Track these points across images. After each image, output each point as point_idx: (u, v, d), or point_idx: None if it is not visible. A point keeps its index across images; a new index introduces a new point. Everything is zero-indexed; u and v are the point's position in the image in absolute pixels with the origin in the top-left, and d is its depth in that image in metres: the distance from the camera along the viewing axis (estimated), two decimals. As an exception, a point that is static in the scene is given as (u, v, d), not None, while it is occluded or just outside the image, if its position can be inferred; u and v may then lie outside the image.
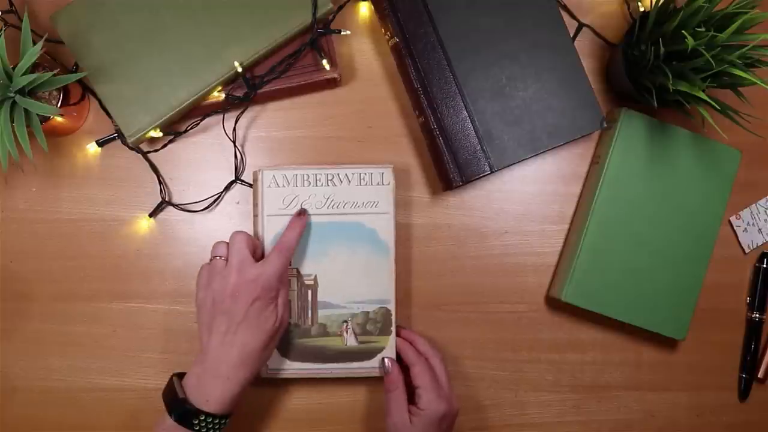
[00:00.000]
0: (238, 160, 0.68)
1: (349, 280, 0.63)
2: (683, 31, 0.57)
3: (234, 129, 0.68)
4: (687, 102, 0.61)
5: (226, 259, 0.57)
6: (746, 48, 0.57)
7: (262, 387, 0.67)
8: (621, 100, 0.70)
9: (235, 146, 0.68)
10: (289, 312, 0.61)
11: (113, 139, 0.67)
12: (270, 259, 0.57)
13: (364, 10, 0.70)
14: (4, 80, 0.58)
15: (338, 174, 0.64)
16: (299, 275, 0.63)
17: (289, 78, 0.66)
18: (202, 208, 0.68)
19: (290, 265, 0.62)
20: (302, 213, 0.62)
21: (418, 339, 0.64)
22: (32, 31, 0.59)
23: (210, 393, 0.54)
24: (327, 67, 0.66)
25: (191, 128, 0.68)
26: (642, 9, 0.70)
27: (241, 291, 0.55)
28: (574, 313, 0.69)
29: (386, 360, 0.62)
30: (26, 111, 0.58)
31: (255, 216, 0.63)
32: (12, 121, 0.58)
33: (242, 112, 0.68)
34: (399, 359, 0.63)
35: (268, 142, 0.69)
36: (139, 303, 0.68)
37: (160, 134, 0.66)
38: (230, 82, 0.66)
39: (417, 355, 0.62)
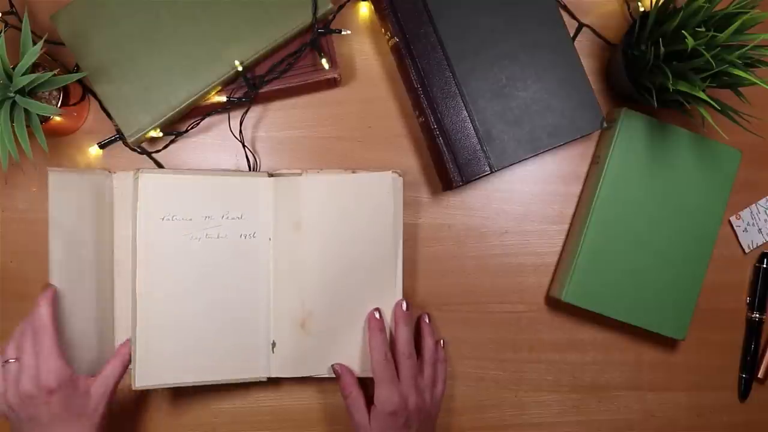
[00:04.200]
0: (252, 161, 0.68)
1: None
2: (683, 31, 0.57)
3: (240, 130, 0.68)
4: (687, 102, 0.61)
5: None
6: (746, 48, 0.57)
7: (262, 387, 0.67)
8: (621, 100, 0.70)
9: (244, 147, 0.68)
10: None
11: (115, 140, 0.67)
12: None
13: (364, 10, 0.70)
14: (4, 80, 0.58)
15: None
16: None
17: (289, 78, 0.66)
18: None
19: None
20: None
21: (428, 335, 0.65)
22: (32, 31, 0.59)
23: None
24: (327, 67, 0.66)
25: (192, 128, 0.68)
26: (642, 9, 0.70)
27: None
28: (574, 313, 0.69)
29: (335, 365, 0.62)
30: (26, 111, 0.58)
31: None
32: (12, 121, 0.58)
33: (246, 112, 0.68)
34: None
35: (268, 142, 0.69)
36: (139, 303, 0.68)
37: (161, 134, 0.66)
38: (230, 82, 0.66)
39: (378, 347, 0.60)
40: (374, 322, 0.62)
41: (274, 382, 0.65)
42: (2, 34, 0.58)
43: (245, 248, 0.63)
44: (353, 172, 0.65)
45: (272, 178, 0.64)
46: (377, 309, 0.63)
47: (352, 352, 0.64)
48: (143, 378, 0.60)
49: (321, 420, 0.68)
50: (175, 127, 0.67)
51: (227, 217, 0.63)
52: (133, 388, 0.60)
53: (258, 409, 0.68)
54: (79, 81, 0.67)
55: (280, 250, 0.64)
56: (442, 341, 0.67)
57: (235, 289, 0.63)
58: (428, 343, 0.65)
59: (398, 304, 0.63)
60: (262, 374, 0.63)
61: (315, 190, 0.63)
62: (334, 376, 0.63)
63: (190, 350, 0.61)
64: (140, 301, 0.60)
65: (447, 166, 0.64)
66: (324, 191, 0.64)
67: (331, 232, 0.64)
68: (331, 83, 0.68)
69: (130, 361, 0.59)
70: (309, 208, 0.63)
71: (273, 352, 0.63)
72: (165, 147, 0.67)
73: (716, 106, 0.59)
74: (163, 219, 0.61)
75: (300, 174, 0.64)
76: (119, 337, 0.63)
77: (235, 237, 0.63)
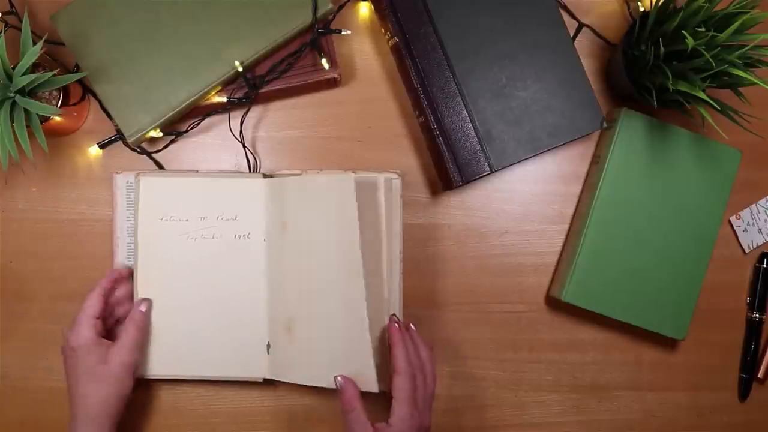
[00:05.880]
0: (252, 162, 0.68)
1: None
2: (683, 31, 0.57)
3: (240, 130, 0.68)
4: (687, 102, 0.61)
5: None
6: (746, 48, 0.57)
7: (262, 387, 0.67)
8: (621, 100, 0.70)
9: (244, 147, 0.68)
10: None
11: (115, 140, 0.67)
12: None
13: (364, 10, 0.70)
14: (4, 80, 0.58)
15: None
16: None
17: (289, 78, 0.66)
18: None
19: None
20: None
21: (422, 345, 0.60)
22: (32, 31, 0.59)
23: None
24: (327, 67, 0.66)
25: (192, 128, 0.68)
26: (642, 9, 0.70)
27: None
28: (574, 313, 0.69)
29: (339, 378, 0.58)
30: (26, 111, 0.58)
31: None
32: (12, 121, 0.58)
33: (247, 112, 0.68)
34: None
35: (268, 142, 0.69)
36: (139, 303, 0.68)
37: (161, 134, 0.66)
38: (230, 82, 0.66)
39: (407, 363, 0.56)
40: (398, 334, 0.58)
41: (272, 383, 0.65)
42: (2, 34, 0.58)
43: (240, 248, 0.63)
44: (354, 173, 0.65)
45: (265, 179, 0.64)
46: (395, 317, 0.60)
47: (344, 362, 0.60)
48: (140, 369, 0.62)
49: (321, 421, 0.68)
50: (175, 127, 0.67)
51: (222, 218, 0.63)
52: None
53: (258, 410, 0.68)
54: (79, 81, 0.67)
55: (270, 251, 0.64)
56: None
57: (230, 289, 0.63)
58: (426, 354, 0.60)
59: (403, 325, 0.60)
60: (258, 374, 0.63)
61: (299, 191, 0.62)
62: (322, 385, 0.60)
63: (187, 345, 0.63)
64: (141, 296, 0.63)
65: (447, 166, 0.64)
66: (308, 192, 0.62)
67: (316, 235, 0.62)
68: (331, 83, 0.68)
69: (145, 323, 0.62)
70: (293, 210, 0.63)
71: (268, 353, 0.63)
72: (165, 147, 0.67)
73: (716, 106, 0.59)
74: (161, 219, 0.63)
75: (300, 174, 0.64)
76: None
77: (230, 237, 0.63)
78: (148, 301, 0.63)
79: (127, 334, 0.60)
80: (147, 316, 0.62)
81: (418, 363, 0.58)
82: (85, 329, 0.59)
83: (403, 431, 0.55)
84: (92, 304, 0.60)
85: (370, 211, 0.61)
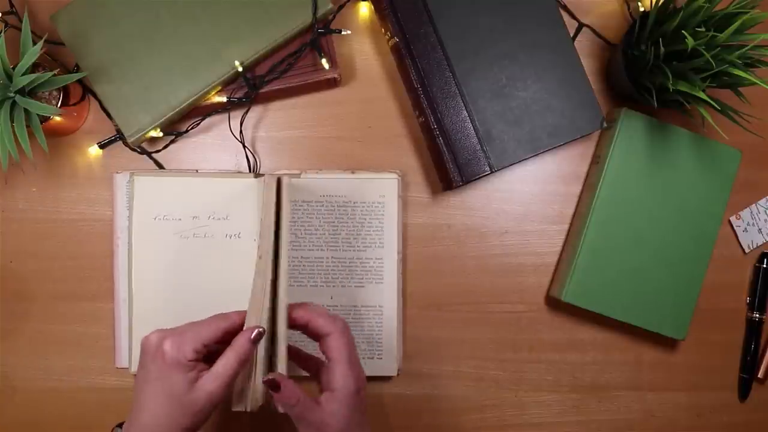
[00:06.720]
0: (252, 162, 0.68)
1: None
2: (683, 31, 0.57)
3: (240, 130, 0.68)
4: (687, 102, 0.61)
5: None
6: (746, 48, 0.57)
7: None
8: (621, 100, 0.70)
9: (244, 147, 0.68)
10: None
11: (115, 140, 0.67)
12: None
13: (364, 10, 0.70)
14: (4, 80, 0.58)
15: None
16: None
17: (289, 78, 0.66)
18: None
19: None
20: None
21: (318, 308, 0.54)
22: (32, 31, 0.59)
23: None
24: (327, 67, 0.66)
25: (192, 128, 0.68)
26: (642, 9, 0.70)
27: None
28: (574, 313, 0.69)
29: (270, 377, 0.50)
30: (26, 111, 0.58)
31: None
32: (12, 121, 0.58)
33: (246, 112, 0.68)
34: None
35: (268, 142, 0.69)
36: (139, 303, 0.68)
37: (161, 134, 0.66)
38: (230, 82, 0.66)
39: (331, 322, 0.52)
40: (303, 308, 0.53)
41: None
42: (2, 34, 0.58)
43: (231, 248, 0.64)
44: (352, 173, 0.65)
45: (256, 179, 0.64)
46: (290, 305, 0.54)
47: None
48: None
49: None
50: (175, 127, 0.67)
51: (213, 218, 0.64)
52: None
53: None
54: (79, 81, 0.67)
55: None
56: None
57: (222, 288, 0.64)
58: (329, 317, 0.54)
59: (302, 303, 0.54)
60: None
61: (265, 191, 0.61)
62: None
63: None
64: (136, 295, 0.64)
65: (447, 166, 0.64)
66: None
67: (291, 236, 0.62)
68: (331, 83, 0.68)
69: (248, 356, 0.51)
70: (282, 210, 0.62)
71: None
72: (165, 147, 0.67)
73: (716, 106, 0.59)
74: (155, 219, 0.64)
75: (299, 174, 0.64)
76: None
77: (221, 237, 0.64)
78: (259, 330, 0.51)
79: (225, 363, 0.49)
80: (253, 347, 0.51)
81: (339, 321, 0.53)
82: (189, 344, 0.49)
83: (351, 392, 0.51)
84: (211, 331, 0.50)
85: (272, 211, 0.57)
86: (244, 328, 0.51)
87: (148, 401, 0.49)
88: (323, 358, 0.53)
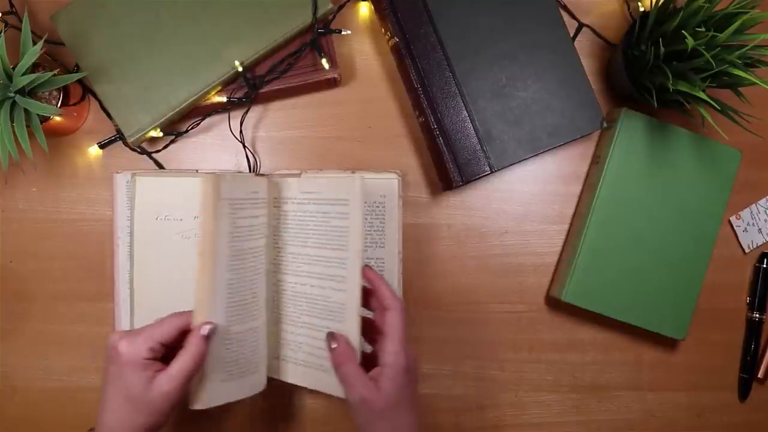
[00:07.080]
0: (252, 161, 0.68)
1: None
2: (683, 31, 0.57)
3: (240, 130, 0.68)
4: (687, 102, 0.61)
5: None
6: (746, 48, 0.57)
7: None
8: (621, 100, 0.70)
9: (244, 147, 0.68)
10: None
11: (114, 140, 0.67)
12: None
13: (364, 10, 0.70)
14: (4, 80, 0.58)
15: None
16: None
17: (289, 78, 0.66)
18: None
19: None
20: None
21: (385, 281, 0.55)
22: (32, 31, 0.59)
23: None
24: (327, 67, 0.66)
25: (192, 128, 0.68)
26: (642, 9, 0.70)
27: None
28: (574, 313, 0.69)
29: (334, 334, 0.53)
30: (26, 111, 0.58)
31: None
32: (12, 121, 0.58)
33: (246, 112, 0.68)
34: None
35: (268, 142, 0.69)
36: (139, 303, 0.68)
37: (161, 134, 0.66)
38: (230, 82, 0.66)
39: (395, 297, 0.53)
40: (378, 275, 0.54)
41: (268, 380, 0.65)
42: (2, 34, 0.58)
43: None
44: (353, 173, 0.65)
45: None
46: (366, 267, 0.55)
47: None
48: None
49: (321, 420, 0.68)
50: (175, 127, 0.67)
51: None
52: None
53: (257, 409, 0.68)
54: (79, 81, 0.67)
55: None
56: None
57: None
58: (394, 292, 0.55)
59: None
60: None
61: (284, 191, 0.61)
62: (311, 387, 0.57)
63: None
64: (137, 295, 0.63)
65: (447, 166, 0.64)
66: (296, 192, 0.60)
67: (298, 235, 0.60)
68: (331, 83, 0.68)
69: (203, 353, 0.50)
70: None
71: None
72: (165, 147, 0.67)
73: (716, 106, 0.59)
74: (157, 219, 0.64)
75: (299, 174, 0.64)
76: None
77: None
78: (212, 326, 0.51)
79: (179, 363, 0.49)
80: (208, 343, 0.51)
81: (400, 299, 0.54)
82: (142, 343, 0.50)
83: (401, 369, 0.51)
84: (165, 330, 0.51)
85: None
86: (192, 326, 0.51)
87: (111, 401, 0.50)
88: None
